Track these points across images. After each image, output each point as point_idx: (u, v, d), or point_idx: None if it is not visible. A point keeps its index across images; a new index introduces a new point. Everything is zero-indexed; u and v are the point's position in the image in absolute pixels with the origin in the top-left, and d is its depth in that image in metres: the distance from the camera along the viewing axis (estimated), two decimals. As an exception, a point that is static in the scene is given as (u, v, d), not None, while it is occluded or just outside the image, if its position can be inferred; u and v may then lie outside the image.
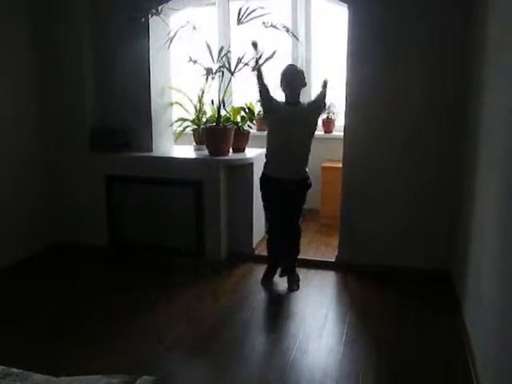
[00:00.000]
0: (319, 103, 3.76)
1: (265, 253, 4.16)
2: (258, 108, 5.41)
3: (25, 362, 2.03)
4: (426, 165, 3.87)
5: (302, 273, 4.08)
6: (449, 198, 3.85)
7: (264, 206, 3.87)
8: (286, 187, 3.65)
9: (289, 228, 3.86)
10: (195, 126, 4.59)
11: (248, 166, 4.25)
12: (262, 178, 3.80)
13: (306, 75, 3.79)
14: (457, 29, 3.63)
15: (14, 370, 1.91)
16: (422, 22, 3.69)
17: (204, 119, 4.60)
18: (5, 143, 4.08)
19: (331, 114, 5.41)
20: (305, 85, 3.71)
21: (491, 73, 2.84)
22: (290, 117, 3.64)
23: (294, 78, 3.64)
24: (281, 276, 3.94)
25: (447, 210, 3.87)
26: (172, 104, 4.66)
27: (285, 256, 3.94)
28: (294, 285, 3.86)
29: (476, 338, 2.81)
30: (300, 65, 5.44)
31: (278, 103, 3.70)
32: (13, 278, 4.01)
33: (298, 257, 4.01)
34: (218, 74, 4.09)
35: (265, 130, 5.52)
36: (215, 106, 4.28)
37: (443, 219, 3.90)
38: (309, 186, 3.79)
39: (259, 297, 3.76)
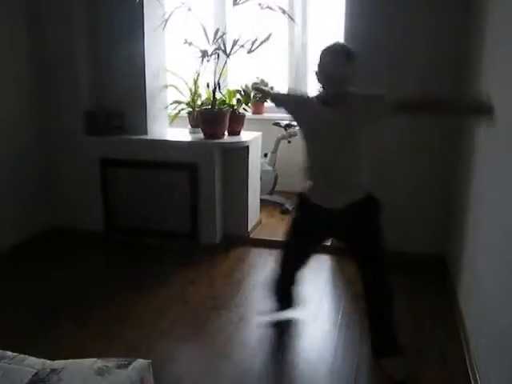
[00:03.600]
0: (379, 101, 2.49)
1: (260, 235, 4.15)
2: (253, 91, 5.39)
3: (21, 348, 2.02)
4: (423, 152, 3.85)
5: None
6: (446, 185, 3.84)
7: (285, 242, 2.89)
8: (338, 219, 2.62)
9: (376, 289, 2.70)
10: (190, 109, 4.55)
11: (243, 149, 4.23)
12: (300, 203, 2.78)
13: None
14: (459, 19, 3.58)
15: (9, 353, 1.92)
16: (421, 10, 3.64)
17: (199, 102, 4.55)
18: (0, 129, 4.03)
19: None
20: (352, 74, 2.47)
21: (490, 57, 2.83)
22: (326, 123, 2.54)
23: (333, 62, 2.45)
24: (377, 356, 2.73)
25: (444, 197, 3.86)
26: (167, 86, 4.61)
27: (377, 330, 2.73)
28: (400, 370, 2.60)
29: (470, 321, 2.83)
30: (297, 48, 5.42)
31: (303, 100, 2.73)
32: (9, 263, 3.99)
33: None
34: (213, 56, 4.04)
35: (260, 113, 5.58)
36: (210, 89, 4.24)
37: (440, 204, 3.89)
38: (378, 205, 2.72)
39: (254, 280, 3.76)
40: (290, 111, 2.79)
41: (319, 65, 2.47)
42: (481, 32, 3.10)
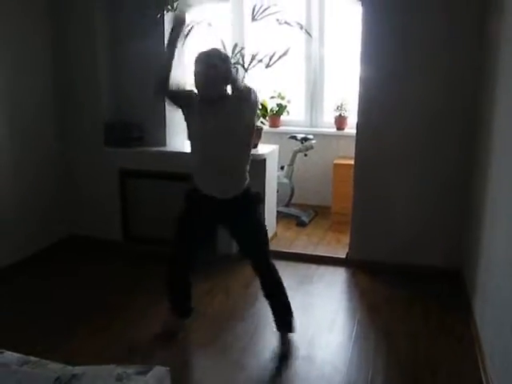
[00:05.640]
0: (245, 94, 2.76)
1: (276, 247, 4.15)
2: (271, 105, 5.46)
3: (39, 355, 2.06)
4: (439, 163, 3.87)
5: (312, 269, 4.12)
6: (461, 197, 3.84)
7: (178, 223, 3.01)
8: (222, 209, 2.82)
9: (265, 274, 2.99)
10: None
11: (260, 161, 4.27)
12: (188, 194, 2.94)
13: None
14: (473, 23, 3.61)
15: (32, 358, 1.97)
16: (437, 17, 3.68)
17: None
18: (22, 139, 4.14)
19: (343, 112, 5.42)
20: (229, 79, 2.72)
21: (506, 65, 2.85)
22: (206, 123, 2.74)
23: (205, 67, 2.67)
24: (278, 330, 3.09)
25: (459, 209, 3.87)
26: (186, 100, 4.68)
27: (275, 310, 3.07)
28: (286, 347, 3.01)
29: (486, 336, 2.83)
30: (314, 62, 5.48)
31: (192, 97, 2.82)
32: (28, 271, 4.07)
33: (308, 253, 3.99)
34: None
35: (277, 126, 5.63)
36: (228, 102, 4.30)
37: (455, 217, 3.89)
38: (259, 199, 2.98)
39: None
40: (183, 106, 2.86)
41: (193, 72, 2.71)
42: (496, 40, 3.13)
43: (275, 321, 3.04)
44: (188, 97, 2.85)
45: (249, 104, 2.75)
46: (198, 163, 2.83)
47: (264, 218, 3.04)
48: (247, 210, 2.87)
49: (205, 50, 2.73)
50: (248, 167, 2.87)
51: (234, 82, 2.78)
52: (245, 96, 2.75)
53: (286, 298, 3.02)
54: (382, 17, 3.81)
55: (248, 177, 2.87)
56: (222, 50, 2.88)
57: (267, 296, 3.03)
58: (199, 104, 2.76)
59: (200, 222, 2.92)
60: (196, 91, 2.77)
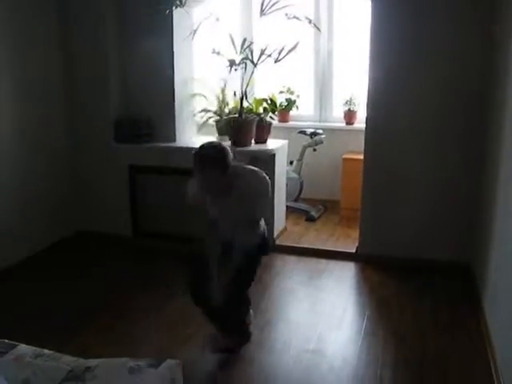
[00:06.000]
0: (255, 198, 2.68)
1: (286, 242, 4.16)
2: (280, 100, 5.46)
3: (51, 349, 2.09)
4: (448, 158, 3.86)
5: (321, 263, 4.13)
6: (471, 191, 3.83)
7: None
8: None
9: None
10: (218, 117, 4.64)
11: (270, 156, 4.28)
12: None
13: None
14: (483, 17, 3.59)
15: (46, 351, 2.01)
16: (446, 12, 3.66)
17: (226, 110, 4.64)
18: (32, 135, 4.18)
19: (353, 106, 5.41)
20: (223, 168, 2.53)
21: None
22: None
23: (203, 178, 2.58)
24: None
25: (469, 202, 3.86)
26: (195, 95, 4.70)
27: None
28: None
29: (496, 331, 2.82)
30: (322, 57, 5.47)
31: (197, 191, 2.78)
32: (38, 266, 4.12)
33: (318, 247, 3.95)
34: (240, 65, 4.12)
35: (287, 121, 5.63)
36: (238, 98, 4.32)
37: (465, 211, 3.88)
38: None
39: (280, 286, 3.81)
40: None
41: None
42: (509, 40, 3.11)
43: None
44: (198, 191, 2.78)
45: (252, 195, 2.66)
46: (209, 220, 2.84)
47: (268, 236, 3.01)
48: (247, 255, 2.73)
49: (199, 149, 2.60)
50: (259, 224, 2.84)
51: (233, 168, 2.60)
52: (249, 189, 2.64)
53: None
54: (391, 12, 3.79)
55: (258, 232, 2.82)
56: (216, 143, 2.70)
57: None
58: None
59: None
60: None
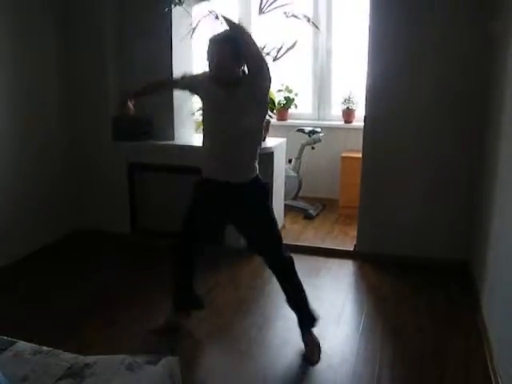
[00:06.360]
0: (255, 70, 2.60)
1: (284, 240, 4.17)
2: (278, 98, 5.47)
3: (50, 346, 2.09)
4: (446, 155, 3.87)
5: (320, 261, 4.14)
6: (468, 189, 3.85)
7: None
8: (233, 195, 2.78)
9: (276, 264, 2.97)
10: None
11: (268, 155, 4.29)
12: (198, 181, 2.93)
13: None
14: (481, 16, 3.60)
15: (44, 348, 2.01)
16: (444, 11, 3.67)
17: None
18: (32, 134, 4.18)
19: (351, 104, 5.42)
20: (240, 59, 2.61)
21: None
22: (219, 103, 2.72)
23: (215, 46, 2.62)
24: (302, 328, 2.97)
25: (467, 200, 3.87)
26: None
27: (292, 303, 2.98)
28: (314, 352, 2.88)
29: (493, 329, 2.83)
30: (321, 55, 5.48)
31: (199, 80, 2.87)
32: (37, 264, 4.13)
33: (316, 245, 3.94)
34: (239, 63, 4.11)
35: (285, 119, 5.64)
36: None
37: (463, 209, 3.90)
38: (267, 190, 2.92)
39: (278, 284, 3.80)
40: (197, 91, 2.90)
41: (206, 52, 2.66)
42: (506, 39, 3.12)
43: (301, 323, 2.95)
44: (199, 82, 2.84)
45: (261, 87, 2.66)
46: (206, 144, 2.80)
47: (273, 212, 2.95)
48: (254, 198, 2.81)
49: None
50: (257, 158, 2.82)
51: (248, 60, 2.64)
52: (256, 79, 2.63)
53: (302, 295, 2.95)
54: (389, 10, 3.80)
55: (256, 168, 2.82)
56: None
57: (289, 301, 2.96)
58: (212, 85, 2.73)
59: (206, 209, 2.88)
60: (209, 72, 2.72)
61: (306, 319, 2.94)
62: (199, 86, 2.85)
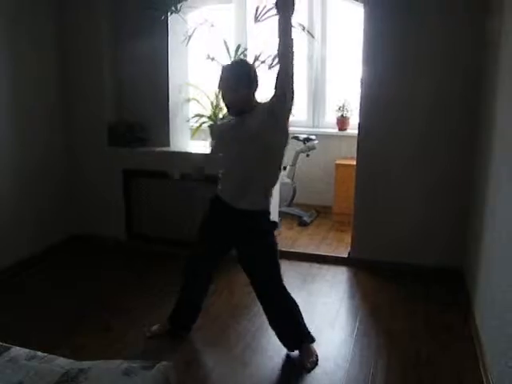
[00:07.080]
0: (279, 92, 2.62)
1: (279, 247, 4.19)
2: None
3: (45, 350, 2.10)
4: (439, 163, 3.90)
5: (314, 268, 4.15)
6: (462, 196, 3.87)
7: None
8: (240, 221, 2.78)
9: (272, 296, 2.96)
10: (211, 122, 4.65)
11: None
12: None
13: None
14: (475, 19, 3.64)
15: (39, 353, 2.01)
16: (437, 17, 3.71)
17: (221, 115, 4.66)
18: (26, 138, 4.17)
19: (345, 112, 5.45)
20: (251, 88, 2.69)
21: (507, 62, 2.88)
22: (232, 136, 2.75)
23: (223, 79, 2.67)
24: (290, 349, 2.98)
25: (460, 208, 3.90)
26: (189, 100, 4.73)
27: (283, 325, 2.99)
28: (309, 358, 2.86)
29: (486, 335, 2.85)
30: (316, 63, 5.51)
31: (219, 131, 3.02)
32: (33, 269, 4.12)
33: (311, 252, 3.97)
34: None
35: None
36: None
37: (456, 217, 3.93)
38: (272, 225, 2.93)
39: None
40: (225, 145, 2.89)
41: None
42: (496, 44, 3.15)
43: (288, 342, 2.95)
44: (219, 136, 2.96)
45: (282, 110, 2.70)
46: (225, 167, 2.84)
47: (276, 244, 2.93)
48: (256, 230, 2.80)
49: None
50: (271, 189, 2.81)
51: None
52: (279, 100, 2.64)
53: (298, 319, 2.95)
54: (384, 18, 3.84)
55: (268, 201, 2.81)
56: (246, 60, 2.84)
57: (273, 322, 2.96)
58: (229, 121, 2.80)
59: (216, 230, 2.90)
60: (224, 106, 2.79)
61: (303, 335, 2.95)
62: (221, 138, 2.91)
